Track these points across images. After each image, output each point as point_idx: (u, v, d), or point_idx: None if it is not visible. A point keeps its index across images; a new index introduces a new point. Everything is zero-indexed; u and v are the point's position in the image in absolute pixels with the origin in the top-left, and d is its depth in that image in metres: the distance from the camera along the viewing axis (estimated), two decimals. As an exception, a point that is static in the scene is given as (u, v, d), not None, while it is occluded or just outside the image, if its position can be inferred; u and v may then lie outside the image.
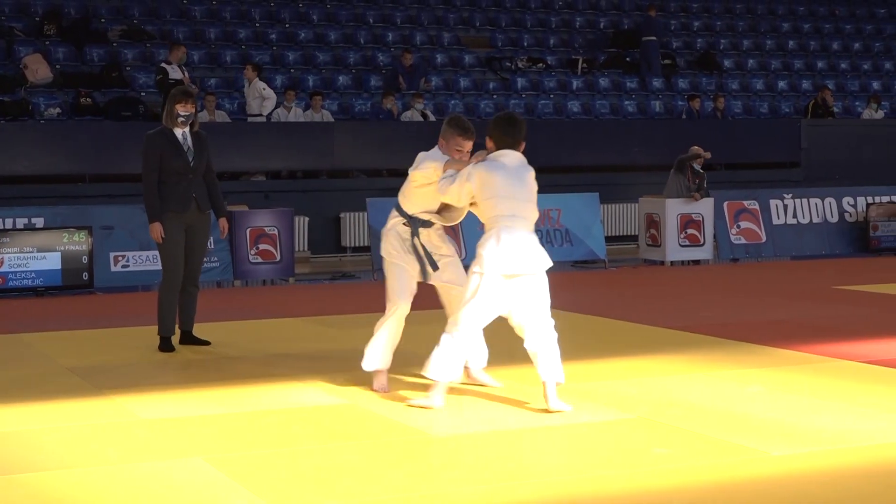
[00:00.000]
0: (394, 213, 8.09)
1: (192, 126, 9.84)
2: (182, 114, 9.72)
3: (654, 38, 24.24)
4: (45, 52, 20.02)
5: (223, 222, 10.10)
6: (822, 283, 14.57)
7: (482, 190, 7.47)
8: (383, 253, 8.10)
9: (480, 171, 7.48)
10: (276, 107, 19.45)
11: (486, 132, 7.72)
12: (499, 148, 7.59)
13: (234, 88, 20.74)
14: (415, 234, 7.94)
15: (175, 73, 18.44)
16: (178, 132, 9.78)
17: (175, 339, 10.00)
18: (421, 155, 7.99)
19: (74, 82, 19.58)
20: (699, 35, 26.42)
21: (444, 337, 7.50)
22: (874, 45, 27.74)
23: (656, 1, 26.06)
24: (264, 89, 19.35)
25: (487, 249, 7.38)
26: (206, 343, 10.09)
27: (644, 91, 23.85)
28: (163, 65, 18.73)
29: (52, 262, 14.05)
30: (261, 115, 19.30)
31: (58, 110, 18.94)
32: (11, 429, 7.17)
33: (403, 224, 8.00)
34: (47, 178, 17.83)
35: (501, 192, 7.44)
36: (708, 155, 17.52)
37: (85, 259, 14.17)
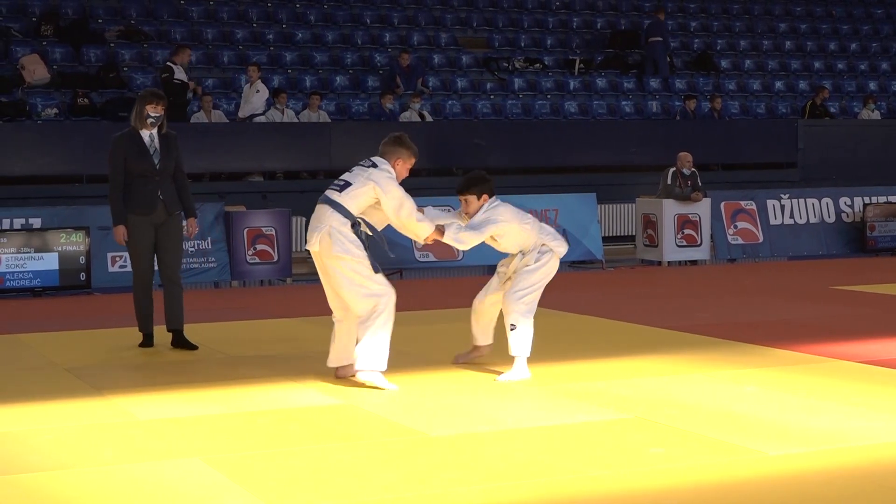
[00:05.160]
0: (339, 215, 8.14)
1: (160, 128, 9.73)
2: (152, 115, 9.63)
3: (660, 38, 24.30)
4: (43, 52, 20.00)
5: (192, 222, 9.95)
6: (819, 284, 14.58)
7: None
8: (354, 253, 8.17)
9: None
10: (268, 108, 19.41)
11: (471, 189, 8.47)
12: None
13: (231, 89, 20.73)
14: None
15: (180, 73, 18.46)
16: (146, 134, 9.68)
17: (164, 338, 10.00)
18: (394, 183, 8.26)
19: (72, 83, 19.56)
20: (696, 36, 26.43)
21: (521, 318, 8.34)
22: (871, 45, 27.76)
23: (663, 3, 26.09)
24: (258, 91, 19.31)
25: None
26: (194, 348, 9.87)
27: (641, 91, 23.86)
28: (169, 63, 18.69)
29: (50, 262, 14.04)
30: (252, 114, 19.24)
31: (55, 111, 18.93)
32: (9, 429, 7.16)
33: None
34: (45, 179, 17.82)
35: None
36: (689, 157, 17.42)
37: (82, 259, 14.17)
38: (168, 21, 22.15)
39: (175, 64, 18.58)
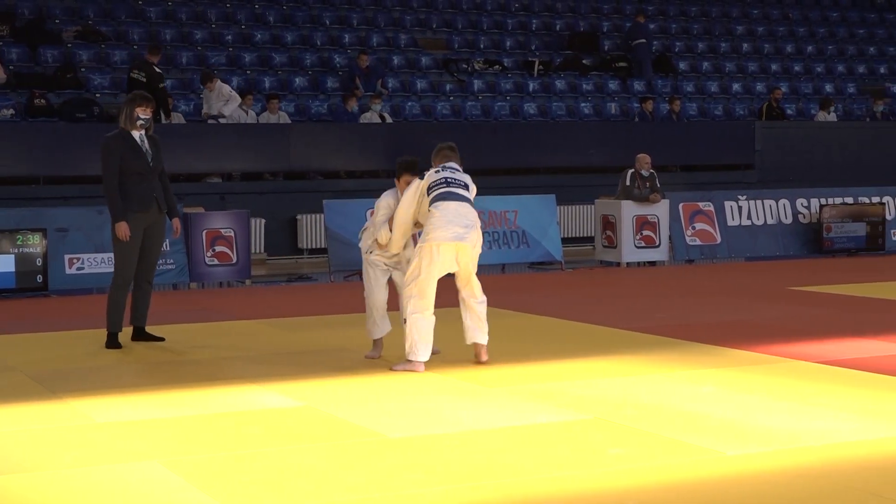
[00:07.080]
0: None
1: (146, 130, 10.11)
2: (142, 117, 10.03)
3: (643, 40, 24.60)
4: (-2, 52, 19.86)
5: (176, 222, 10.46)
6: (776, 284, 14.69)
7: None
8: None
9: None
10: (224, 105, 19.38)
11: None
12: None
13: (190, 90, 20.64)
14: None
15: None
16: (136, 135, 10.05)
17: (125, 336, 10.18)
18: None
19: (28, 83, 19.42)
20: (654, 38, 26.52)
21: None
22: (827, 48, 27.99)
23: (642, 7, 26.30)
24: (231, 91, 19.28)
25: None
26: (160, 339, 10.29)
27: (600, 93, 23.95)
28: (157, 69, 18.43)
29: (6, 264, 13.93)
30: (223, 116, 19.19)
31: (11, 111, 18.78)
32: (-35, 433, 7.12)
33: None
34: (1, 180, 17.67)
35: None
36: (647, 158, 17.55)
37: (39, 261, 14.07)
38: (126, 21, 22.02)
39: (156, 66, 18.44)
